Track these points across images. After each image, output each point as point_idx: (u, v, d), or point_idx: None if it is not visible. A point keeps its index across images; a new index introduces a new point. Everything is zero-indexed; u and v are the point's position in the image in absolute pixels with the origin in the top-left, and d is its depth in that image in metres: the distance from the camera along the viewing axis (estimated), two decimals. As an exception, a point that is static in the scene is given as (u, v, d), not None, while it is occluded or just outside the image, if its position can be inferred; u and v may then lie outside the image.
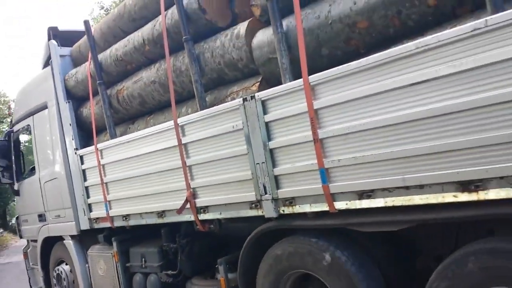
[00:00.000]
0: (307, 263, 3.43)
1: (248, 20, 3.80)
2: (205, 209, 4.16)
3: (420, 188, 2.74)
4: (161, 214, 4.61)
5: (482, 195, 2.50)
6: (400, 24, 2.91)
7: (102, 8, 24.91)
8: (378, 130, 2.86)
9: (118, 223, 5.27)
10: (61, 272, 6.59)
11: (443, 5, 2.71)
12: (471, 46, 2.41)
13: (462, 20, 2.64)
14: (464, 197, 2.57)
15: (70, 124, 5.80)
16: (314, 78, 3.12)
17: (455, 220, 2.74)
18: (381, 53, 2.76)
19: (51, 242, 6.87)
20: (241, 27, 3.80)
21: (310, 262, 3.40)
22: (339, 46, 3.24)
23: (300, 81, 3.20)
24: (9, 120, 14.11)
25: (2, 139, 7.57)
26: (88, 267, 6.08)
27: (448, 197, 2.63)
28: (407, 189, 2.80)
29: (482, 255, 2.56)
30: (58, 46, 6.03)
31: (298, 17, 3.25)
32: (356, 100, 2.93)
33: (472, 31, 2.39)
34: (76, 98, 5.91)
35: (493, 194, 2.46)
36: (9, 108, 25.85)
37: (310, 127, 3.16)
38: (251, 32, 3.75)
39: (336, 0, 3.17)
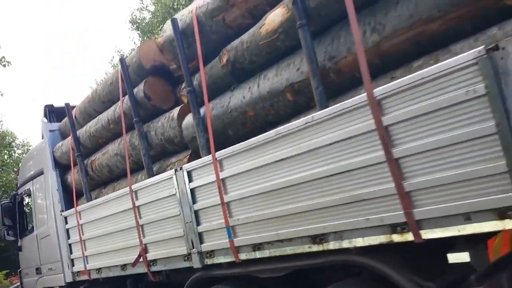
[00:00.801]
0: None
1: (180, 106, 4.72)
2: (154, 262, 4.95)
3: (289, 241, 3.50)
4: (123, 267, 5.42)
5: (325, 246, 3.25)
6: (275, 113, 3.77)
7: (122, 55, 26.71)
8: (260, 196, 3.66)
9: (93, 276, 6.08)
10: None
11: (299, 100, 3.56)
12: (305, 133, 3.24)
13: (312, 111, 3.46)
14: (315, 247, 3.32)
15: (56, 189, 6.74)
16: (219, 154, 3.97)
17: (313, 266, 3.46)
18: (254, 138, 3.61)
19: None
20: (175, 112, 4.73)
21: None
22: (239, 128, 4.10)
23: (209, 156, 4.05)
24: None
25: (8, 201, 8.58)
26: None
27: (306, 248, 3.39)
28: (281, 242, 3.56)
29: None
30: (49, 122, 7.08)
31: (207, 108, 4.16)
32: (246, 172, 3.75)
33: (305, 123, 3.22)
34: (62, 166, 6.88)
35: (332, 245, 3.21)
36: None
37: (218, 193, 3.98)
38: (182, 115, 4.66)
39: (233, 94, 4.07)
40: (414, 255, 2.97)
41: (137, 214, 5.01)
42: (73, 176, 6.47)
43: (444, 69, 2.50)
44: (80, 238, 6.14)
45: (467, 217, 2.55)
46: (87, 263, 6.12)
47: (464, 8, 2.60)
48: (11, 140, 28.97)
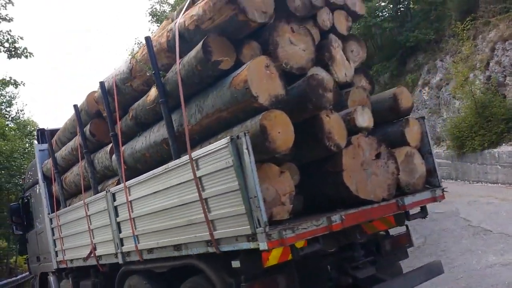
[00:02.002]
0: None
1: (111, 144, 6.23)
2: (100, 257, 6.54)
3: (164, 248, 4.97)
4: (84, 259, 7.03)
5: (180, 253, 4.71)
6: (160, 156, 5.22)
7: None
8: (147, 215, 5.14)
9: (69, 265, 7.75)
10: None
11: (170, 148, 5.00)
12: (165, 177, 4.69)
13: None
14: (176, 253, 4.78)
15: (45, 197, 8.43)
16: (128, 183, 5.46)
17: (177, 266, 4.91)
18: (142, 175, 5.08)
19: (45, 276, 9.46)
20: (108, 148, 6.24)
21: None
22: (144, 165, 5.58)
23: (122, 185, 5.56)
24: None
25: (16, 203, 10.41)
26: (60, 294, 8.58)
27: (171, 253, 4.85)
28: (161, 249, 5.04)
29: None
30: (40, 143, 8.76)
31: (121, 149, 5.66)
32: (140, 198, 5.24)
33: (165, 169, 4.67)
34: (49, 179, 8.55)
35: (183, 252, 4.67)
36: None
37: (128, 210, 5.49)
38: (112, 151, 6.16)
39: (138, 140, 5.55)
40: (226, 261, 4.36)
41: (89, 221, 6.59)
42: (55, 187, 8.13)
43: (217, 147, 3.89)
44: (60, 235, 7.81)
45: (236, 239, 3.95)
46: (64, 255, 7.79)
47: (233, 107, 3.98)
48: (32, 129, 29.62)
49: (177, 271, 5.08)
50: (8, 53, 16.57)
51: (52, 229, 8.21)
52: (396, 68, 19.51)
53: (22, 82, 17.31)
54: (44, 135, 8.84)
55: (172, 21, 5.16)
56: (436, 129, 16.31)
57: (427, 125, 5.44)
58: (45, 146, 8.78)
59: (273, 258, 3.99)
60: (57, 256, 8.20)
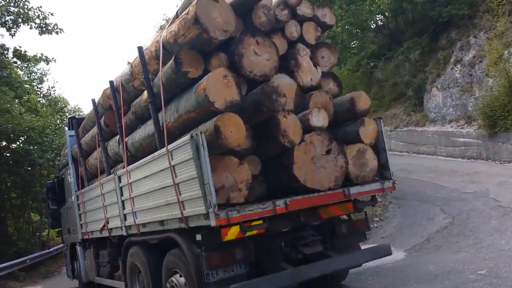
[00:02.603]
0: (138, 257, 6.70)
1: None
2: (111, 230, 7.62)
3: (153, 223, 5.94)
4: (99, 231, 8.16)
5: (164, 227, 5.67)
6: (153, 146, 6.16)
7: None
8: (141, 196, 6.11)
9: (90, 236, 8.93)
10: (76, 263, 10.46)
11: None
12: (151, 164, 5.63)
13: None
14: (161, 228, 5.73)
15: (73, 177, 9.64)
16: (129, 167, 6.45)
17: (164, 238, 5.87)
18: (137, 162, 6.05)
19: (73, 246, 10.77)
20: (117, 137, 7.26)
21: (137, 256, 6.68)
22: (143, 153, 6.53)
23: (125, 169, 6.56)
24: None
25: (52, 181, 11.78)
26: (85, 261, 9.82)
27: (159, 227, 5.81)
28: (151, 223, 6.01)
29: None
30: (70, 130, 9.96)
31: (124, 139, 6.66)
32: (136, 181, 6.21)
33: (151, 158, 5.61)
34: (76, 161, 9.74)
35: (166, 227, 5.62)
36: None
37: (128, 191, 6.50)
38: (119, 141, 7.16)
39: (138, 131, 6.51)
40: (194, 235, 5.24)
41: (103, 199, 7.68)
42: (80, 169, 9.31)
43: (183, 142, 4.78)
44: (83, 210, 9.00)
45: (198, 217, 4.84)
46: (87, 228, 8.98)
47: (197, 109, 4.85)
48: (63, 105, 30.35)
49: (165, 243, 6.03)
50: (39, 29, 16.21)
51: (78, 204, 9.40)
52: (428, 45, 18.64)
53: (53, 58, 17.13)
54: (75, 121, 10.03)
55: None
56: (467, 108, 15.66)
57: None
58: (73, 132, 9.96)
59: (231, 234, 4.84)
60: (81, 228, 9.40)
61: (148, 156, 5.72)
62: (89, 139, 8.59)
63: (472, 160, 14.28)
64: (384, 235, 9.48)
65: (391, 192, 6.03)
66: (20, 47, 16.46)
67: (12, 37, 18.16)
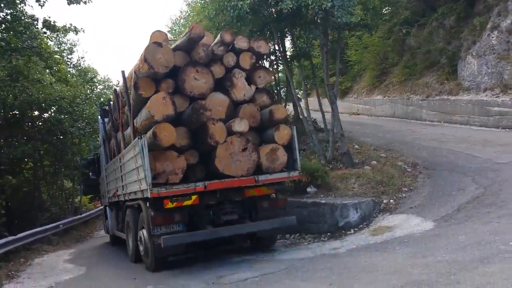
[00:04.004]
0: (129, 216, 9.18)
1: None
2: (119, 196, 10.21)
3: (131, 193, 8.37)
4: (113, 197, 10.78)
5: (134, 196, 8.11)
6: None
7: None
8: (127, 173, 8.55)
9: (111, 200, 11.63)
10: (104, 222, 13.36)
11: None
12: (130, 151, 8.04)
13: (140, 141, 8.20)
14: (133, 196, 8.16)
15: (104, 154, 12.37)
16: (124, 151, 8.92)
17: (137, 201, 8.30)
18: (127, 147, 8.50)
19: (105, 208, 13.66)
20: (121, 128, 9.76)
21: (128, 215, 9.18)
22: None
23: (123, 151, 9.04)
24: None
25: (92, 156, 14.78)
26: (111, 219, 12.61)
27: (133, 196, 8.25)
28: (131, 193, 8.45)
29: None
30: (101, 118, 12.67)
31: (132, 126, 9.13)
32: (126, 162, 8.65)
33: (128, 148, 8.01)
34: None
35: (134, 196, 8.05)
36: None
37: (123, 168, 8.97)
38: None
39: (137, 118, 8.93)
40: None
41: (116, 172, 10.25)
42: (106, 148, 12.00)
43: (135, 141, 7.10)
44: (108, 180, 11.73)
45: (145, 191, 7.17)
46: (108, 194, 11.70)
47: (147, 120, 7.15)
48: (93, 75, 30.41)
49: (139, 207, 8.38)
50: None
51: (106, 175, 12.15)
52: (463, 10, 17.56)
53: (82, 29, 16.47)
54: (102, 111, 12.75)
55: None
56: (503, 76, 14.82)
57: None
58: (105, 120, 12.66)
59: (171, 204, 7.13)
60: (107, 194, 12.16)
61: (129, 145, 8.09)
62: (108, 128, 11.20)
63: (507, 130, 13.65)
64: (413, 205, 8.89)
65: (296, 180, 8.01)
66: (49, 17, 15.65)
67: (41, 8, 17.30)
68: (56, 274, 8.99)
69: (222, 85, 7.80)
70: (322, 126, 13.87)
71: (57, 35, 22.17)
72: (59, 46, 24.47)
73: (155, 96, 7.02)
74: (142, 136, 6.87)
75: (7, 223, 14.01)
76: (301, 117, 13.16)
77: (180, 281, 6.89)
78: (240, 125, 7.56)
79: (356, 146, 13.73)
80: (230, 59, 7.87)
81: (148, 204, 7.39)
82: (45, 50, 16.70)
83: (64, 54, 24.90)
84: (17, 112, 17.62)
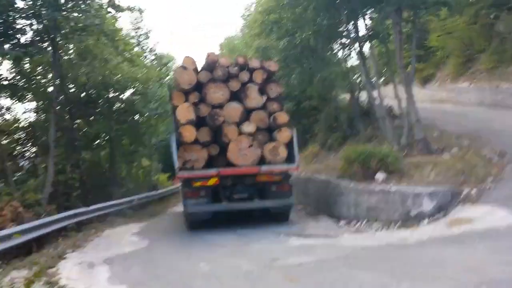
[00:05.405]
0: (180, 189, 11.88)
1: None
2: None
3: (177, 176, 11.05)
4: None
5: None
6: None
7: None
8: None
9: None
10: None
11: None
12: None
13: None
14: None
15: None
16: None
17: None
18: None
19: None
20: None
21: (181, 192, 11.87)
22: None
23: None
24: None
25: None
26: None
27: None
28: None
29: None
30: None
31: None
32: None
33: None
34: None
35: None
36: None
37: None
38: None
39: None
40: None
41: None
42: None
43: (170, 137, 9.69)
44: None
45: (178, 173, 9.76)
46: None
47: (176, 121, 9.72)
48: (168, 60, 29.58)
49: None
50: None
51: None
52: None
53: (145, 9, 17.54)
54: None
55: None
56: None
57: None
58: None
59: (198, 183, 9.63)
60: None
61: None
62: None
63: None
64: (499, 196, 7.69)
65: (295, 171, 9.95)
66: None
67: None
68: (119, 246, 9.11)
69: (238, 96, 10.05)
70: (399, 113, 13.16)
71: (135, 19, 22.14)
72: (136, 30, 23.65)
73: (181, 105, 9.54)
74: (172, 134, 9.43)
75: (82, 196, 14.76)
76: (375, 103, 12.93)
77: (233, 261, 6.87)
78: (249, 127, 9.77)
79: (436, 133, 12.58)
80: (244, 76, 10.11)
81: (180, 185, 9.97)
82: (111, 30, 15.98)
83: (141, 40, 24.02)
84: (93, 92, 18.24)
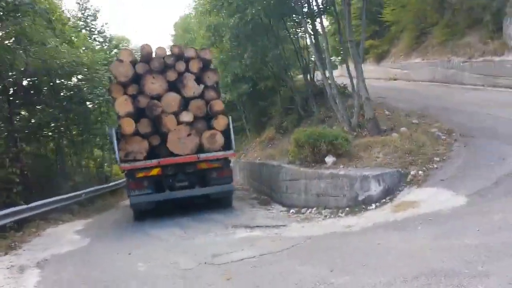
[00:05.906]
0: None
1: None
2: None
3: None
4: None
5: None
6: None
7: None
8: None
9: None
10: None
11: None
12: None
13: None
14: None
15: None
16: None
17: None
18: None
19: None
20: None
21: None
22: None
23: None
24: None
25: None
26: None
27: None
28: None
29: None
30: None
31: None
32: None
33: (116, 134, 10.96)
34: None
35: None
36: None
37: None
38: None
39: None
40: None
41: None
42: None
43: (108, 130, 9.95)
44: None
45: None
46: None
47: (117, 114, 9.95)
48: (118, 43, 28.98)
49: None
50: None
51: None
52: None
53: None
54: None
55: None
56: None
57: None
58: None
59: (141, 174, 9.94)
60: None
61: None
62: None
63: None
64: (444, 177, 7.66)
65: (232, 158, 10.31)
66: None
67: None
68: (58, 246, 8.46)
69: (176, 86, 10.31)
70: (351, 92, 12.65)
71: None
72: (83, 12, 22.98)
73: (120, 98, 9.78)
74: (111, 127, 9.69)
75: (25, 192, 12.81)
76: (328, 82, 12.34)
77: (173, 258, 6.61)
78: (187, 117, 10.08)
79: (387, 112, 12.47)
80: (181, 66, 10.35)
81: (126, 175, 10.28)
82: (45, 10, 13.56)
83: (89, 20, 23.48)
84: (35, 79, 16.21)
